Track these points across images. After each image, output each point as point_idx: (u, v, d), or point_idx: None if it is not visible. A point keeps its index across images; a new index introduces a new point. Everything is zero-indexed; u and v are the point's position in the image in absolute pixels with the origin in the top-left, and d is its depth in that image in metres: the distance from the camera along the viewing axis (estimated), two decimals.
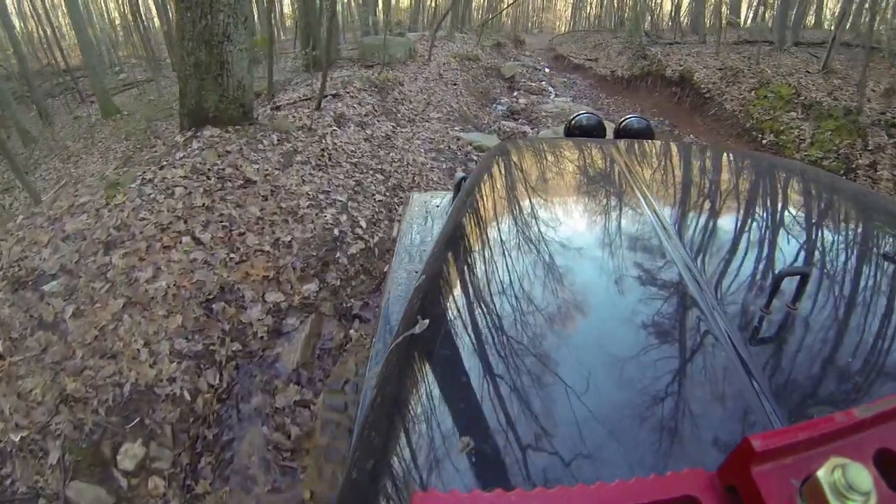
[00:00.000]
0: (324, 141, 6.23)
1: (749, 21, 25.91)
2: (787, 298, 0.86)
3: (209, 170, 4.83)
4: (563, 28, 49.27)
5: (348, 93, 8.16)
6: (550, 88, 16.80)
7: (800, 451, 0.46)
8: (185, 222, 4.11)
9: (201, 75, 5.53)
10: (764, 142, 10.31)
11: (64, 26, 29.49)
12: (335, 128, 6.71)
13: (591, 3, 43.77)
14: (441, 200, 2.51)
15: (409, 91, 9.89)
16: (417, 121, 8.50)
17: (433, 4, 26.95)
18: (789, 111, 10.63)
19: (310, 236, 4.52)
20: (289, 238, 4.39)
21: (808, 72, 12.45)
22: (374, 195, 5.60)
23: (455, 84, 11.94)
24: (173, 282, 3.56)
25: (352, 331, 3.81)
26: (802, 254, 1.08)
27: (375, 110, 7.93)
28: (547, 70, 21.37)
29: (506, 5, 29.76)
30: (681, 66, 14.69)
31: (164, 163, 4.94)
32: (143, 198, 4.28)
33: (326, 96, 7.69)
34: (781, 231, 1.18)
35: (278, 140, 5.80)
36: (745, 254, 1.06)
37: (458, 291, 1.05)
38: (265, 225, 4.44)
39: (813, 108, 10.20)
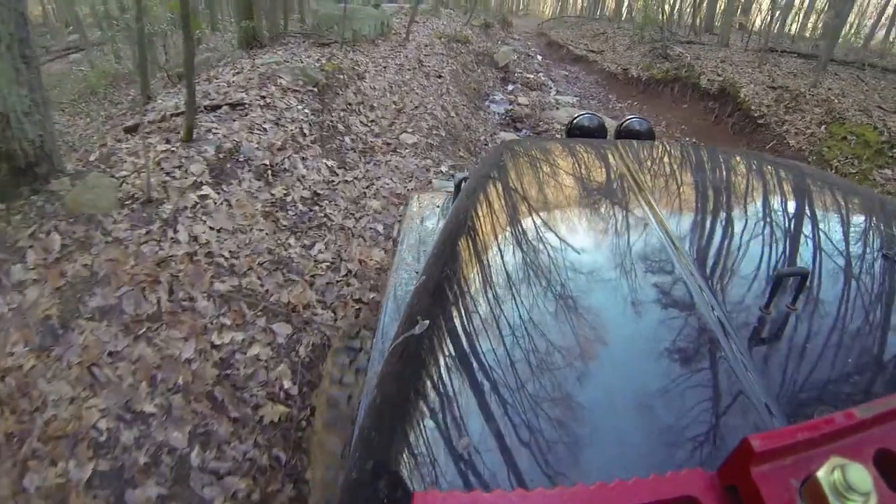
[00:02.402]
0: (169, 236, 2.92)
1: (759, 25, 23.20)
2: (787, 298, 0.84)
3: None
4: (548, 13, 45.97)
5: (263, 97, 4.48)
6: (550, 83, 13.50)
7: (800, 451, 0.45)
8: None
9: None
10: None
11: None
12: (207, 188, 3.29)
13: None
14: (441, 201, 2.39)
15: (373, 89, 6.17)
16: (378, 151, 4.84)
17: None
18: (882, 167, 7.68)
19: None
20: None
21: (883, 108, 9.59)
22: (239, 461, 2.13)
23: (440, 76, 8.22)
24: None
25: None
26: (802, 254, 1.06)
27: (304, 133, 4.27)
28: (540, 58, 17.94)
29: None
30: (719, 75, 11.45)
31: None
32: None
33: (218, 108, 4.01)
34: (782, 231, 1.15)
35: (65, 245, 2.62)
36: (746, 254, 1.02)
37: (458, 292, 1.00)
38: None
39: None
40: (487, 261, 1.08)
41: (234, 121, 4.05)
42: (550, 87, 12.84)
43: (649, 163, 1.63)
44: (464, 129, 6.92)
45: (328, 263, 3.26)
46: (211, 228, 3.08)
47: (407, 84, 6.88)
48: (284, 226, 3.36)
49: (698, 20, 18.37)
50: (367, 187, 4.08)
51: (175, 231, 2.95)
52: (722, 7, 18.06)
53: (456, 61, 10.09)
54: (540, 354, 0.78)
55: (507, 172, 1.56)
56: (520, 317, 0.86)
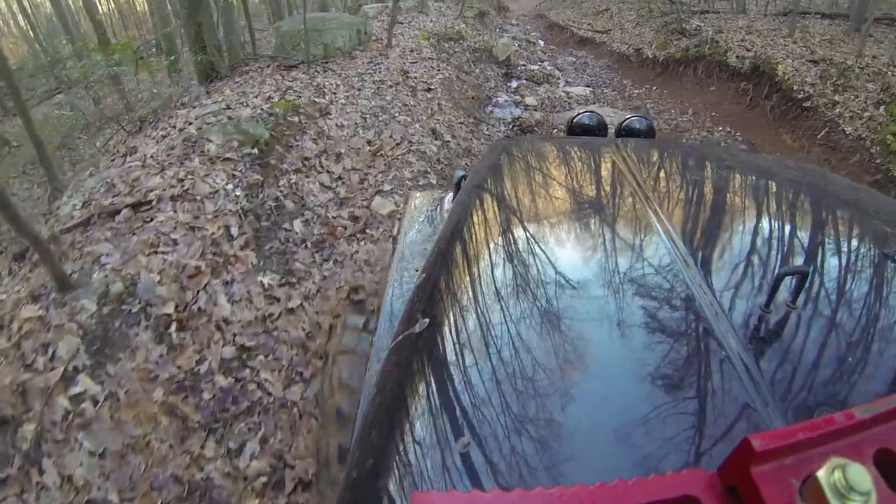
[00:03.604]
0: (34, 481, 1.91)
1: None
2: (787, 298, 0.83)
3: None
4: None
5: (181, 180, 3.26)
6: (558, 73, 11.99)
7: (800, 451, 0.44)
8: None
9: None
10: None
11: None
12: (83, 380, 2.20)
13: None
14: (441, 199, 2.34)
15: (340, 127, 4.76)
16: (341, 234, 3.45)
17: None
18: None
19: None
20: None
21: None
22: None
23: (429, 89, 6.82)
24: None
25: None
26: (803, 253, 1.05)
27: (230, 234, 3.01)
28: (542, 43, 16.40)
29: None
30: (748, 50, 9.99)
31: None
32: None
33: (117, 213, 2.86)
34: (782, 231, 1.14)
35: None
36: (746, 253, 1.01)
37: (458, 290, 1.00)
38: None
39: None
40: (487, 259, 1.05)
41: (134, 234, 2.81)
42: (558, 78, 11.39)
43: (650, 161, 1.60)
44: (463, 156, 5.61)
45: (266, 477, 2.05)
46: (91, 454, 1.98)
47: (387, 109, 5.51)
48: (197, 423, 2.14)
49: None
50: (310, 312, 2.79)
51: (41, 471, 1.92)
52: None
53: (448, 64, 8.69)
54: (541, 352, 0.76)
55: (507, 171, 1.53)
56: (520, 315, 0.84)
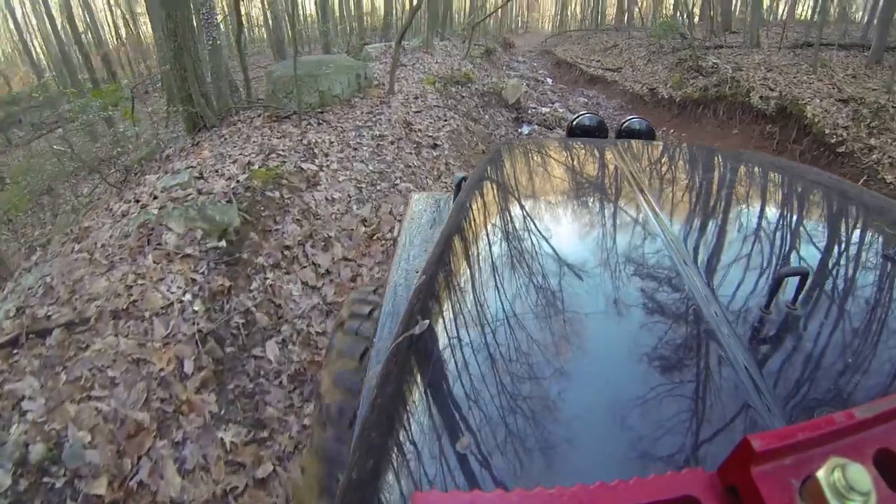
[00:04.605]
0: None
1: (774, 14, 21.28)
2: (787, 298, 0.82)
3: None
4: (548, 26, 44.22)
5: (129, 287, 2.60)
6: (570, 115, 11.39)
7: (800, 451, 0.44)
8: None
9: None
10: None
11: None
12: None
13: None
14: (441, 201, 2.33)
15: (330, 202, 4.09)
16: (325, 366, 2.81)
17: (408, 4, 20.02)
18: None
19: None
20: None
21: None
22: None
23: (435, 145, 6.22)
24: None
25: None
26: (803, 254, 1.03)
27: (183, 373, 2.34)
28: (550, 81, 15.97)
29: (502, 2, 23.14)
30: (772, 89, 9.41)
31: None
32: None
33: (48, 332, 2.25)
34: (782, 231, 1.13)
35: None
36: (746, 254, 1.00)
37: (457, 292, 0.98)
38: None
39: None
40: (487, 260, 1.04)
41: (65, 367, 2.20)
42: None
43: (650, 162, 1.57)
44: None
45: None
46: None
47: (387, 175, 4.87)
48: None
49: (713, 15, 16.22)
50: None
51: None
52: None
53: (456, 112, 8.14)
54: (541, 354, 0.75)
55: (508, 172, 1.51)
56: (521, 316, 0.83)
